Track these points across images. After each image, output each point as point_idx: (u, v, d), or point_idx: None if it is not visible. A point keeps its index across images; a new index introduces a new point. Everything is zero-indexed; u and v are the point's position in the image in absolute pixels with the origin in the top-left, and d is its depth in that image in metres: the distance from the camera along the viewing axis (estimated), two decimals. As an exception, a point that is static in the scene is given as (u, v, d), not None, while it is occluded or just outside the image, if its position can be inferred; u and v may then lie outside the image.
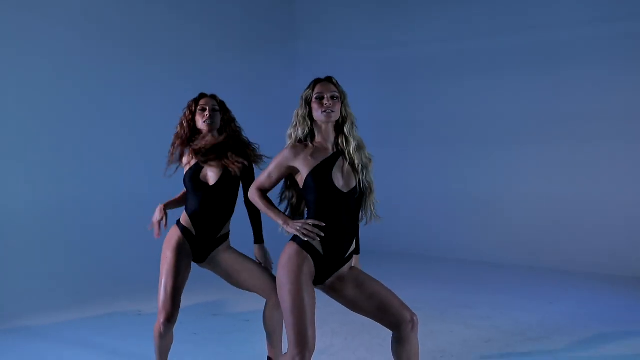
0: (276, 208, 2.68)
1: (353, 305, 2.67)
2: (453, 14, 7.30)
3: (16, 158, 5.44)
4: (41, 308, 4.97)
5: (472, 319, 4.64)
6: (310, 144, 2.66)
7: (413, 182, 7.60)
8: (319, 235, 2.55)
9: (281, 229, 2.63)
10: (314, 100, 2.63)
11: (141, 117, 6.41)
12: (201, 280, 5.81)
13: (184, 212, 3.17)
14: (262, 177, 2.72)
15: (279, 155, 2.67)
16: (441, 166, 7.40)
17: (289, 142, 2.70)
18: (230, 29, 7.49)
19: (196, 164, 3.12)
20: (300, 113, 2.67)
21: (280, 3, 8.21)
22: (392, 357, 2.69)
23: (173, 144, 3.23)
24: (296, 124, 2.68)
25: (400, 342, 2.63)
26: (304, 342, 2.45)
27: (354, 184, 2.65)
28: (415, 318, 2.61)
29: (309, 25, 8.30)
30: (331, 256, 2.59)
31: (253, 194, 2.73)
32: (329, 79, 2.69)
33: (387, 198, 7.94)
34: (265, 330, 3.26)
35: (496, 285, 5.82)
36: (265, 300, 3.19)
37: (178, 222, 3.16)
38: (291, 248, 2.57)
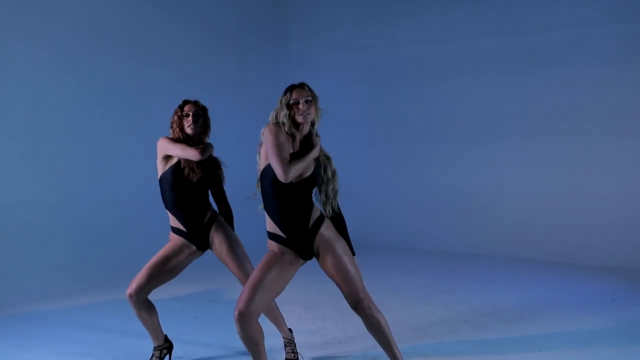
0: (307, 154, 2.95)
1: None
2: (438, 17, 7.64)
3: (26, 154, 5.74)
4: (49, 295, 5.28)
5: (453, 303, 5.01)
6: (285, 133, 2.96)
7: (399, 178, 7.96)
8: (276, 223, 2.97)
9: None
10: (292, 104, 2.97)
11: (141, 115, 6.72)
12: (199, 270, 6.15)
13: (168, 213, 3.55)
14: (283, 157, 2.86)
15: (273, 135, 2.90)
16: (426, 163, 7.74)
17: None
18: (224, 31, 7.79)
19: (177, 164, 3.45)
20: (285, 116, 2.97)
21: (272, 6, 8.52)
22: None
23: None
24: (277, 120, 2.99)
25: (363, 322, 3.02)
26: (241, 304, 2.85)
27: (306, 175, 2.97)
28: (359, 306, 2.96)
29: (300, 27, 8.61)
30: (294, 235, 2.98)
31: (291, 171, 2.86)
32: (302, 85, 3.03)
33: (375, 193, 8.41)
34: (266, 316, 3.62)
35: (476, 274, 6.18)
36: None
37: (172, 228, 3.57)
38: (268, 242, 3.05)
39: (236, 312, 2.87)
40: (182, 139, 3.50)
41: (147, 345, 3.94)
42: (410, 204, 7.87)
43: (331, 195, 3.06)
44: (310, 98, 2.99)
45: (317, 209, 3.06)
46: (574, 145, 6.73)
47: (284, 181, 2.87)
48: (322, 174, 3.05)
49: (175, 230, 3.56)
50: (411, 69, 7.90)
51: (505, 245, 7.03)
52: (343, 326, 4.42)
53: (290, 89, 3.03)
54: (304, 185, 2.98)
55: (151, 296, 5.31)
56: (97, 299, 5.30)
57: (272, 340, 3.87)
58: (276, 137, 2.90)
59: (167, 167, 3.50)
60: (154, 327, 3.62)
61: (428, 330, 4.30)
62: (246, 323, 2.87)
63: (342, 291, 3.03)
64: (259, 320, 2.97)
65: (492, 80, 7.25)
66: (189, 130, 3.49)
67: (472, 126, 7.42)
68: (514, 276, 6.02)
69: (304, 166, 2.94)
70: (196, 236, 3.53)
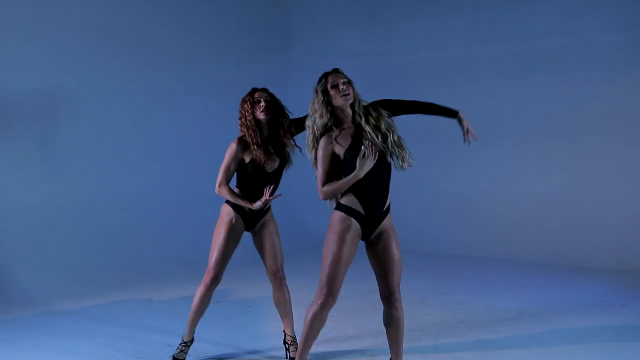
0: (345, 179, 3.05)
1: (370, 260, 3.23)
2: (436, 25, 7.87)
3: (38, 159, 5.98)
4: (62, 296, 5.47)
5: (449, 303, 5.22)
6: (334, 129, 3.13)
7: (398, 181, 8.06)
8: (359, 198, 3.07)
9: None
10: (330, 88, 3.11)
11: (147, 119, 6.97)
12: (201, 272, 6.36)
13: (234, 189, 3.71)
14: (320, 176, 3.11)
15: (320, 152, 3.10)
16: (425, 167, 7.92)
17: (308, 132, 3.16)
18: (228, 39, 8.00)
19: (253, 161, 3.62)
20: (319, 102, 3.12)
21: (274, 14, 8.73)
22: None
23: (252, 140, 3.62)
24: (314, 113, 3.14)
25: (385, 314, 3.23)
26: (330, 286, 3.06)
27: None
28: (392, 298, 3.16)
29: (301, 35, 8.82)
30: (371, 213, 3.12)
31: (324, 193, 3.09)
32: (336, 70, 3.19)
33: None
34: (277, 309, 3.88)
35: (472, 275, 6.38)
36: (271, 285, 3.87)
37: (228, 201, 3.72)
38: (337, 215, 3.12)
39: (325, 294, 3.07)
40: (253, 128, 3.60)
41: (158, 340, 4.14)
42: (408, 207, 8.05)
43: (398, 151, 3.16)
44: (347, 79, 3.12)
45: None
46: (568, 149, 6.96)
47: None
48: (386, 144, 3.13)
49: (234, 206, 3.68)
50: (410, 75, 8.09)
51: (502, 248, 7.24)
52: (344, 325, 4.62)
53: (325, 75, 3.16)
54: (385, 165, 3.13)
55: (157, 294, 5.55)
56: (105, 300, 5.48)
57: (274, 340, 4.08)
58: (322, 154, 3.09)
59: (244, 163, 3.65)
60: (197, 321, 3.85)
61: (425, 329, 4.51)
62: (332, 303, 3.11)
63: (383, 278, 3.18)
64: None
65: (490, 85, 7.47)
66: (261, 116, 3.62)
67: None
68: (509, 277, 6.22)
69: (340, 188, 3.06)
70: (252, 216, 3.71)
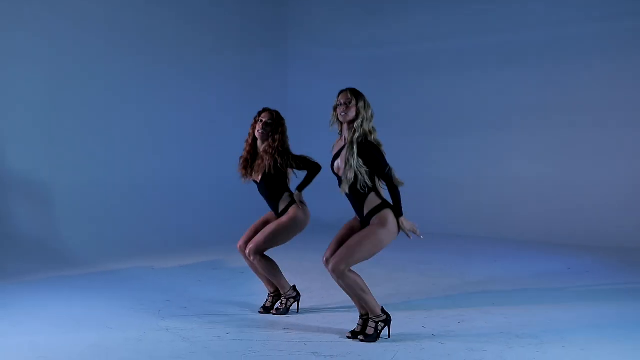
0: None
1: (346, 231, 3.81)
2: (427, 17, 8.31)
3: (59, 145, 6.57)
4: (78, 264, 5.94)
5: (427, 270, 5.67)
6: (340, 137, 3.73)
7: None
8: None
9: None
10: (337, 106, 3.65)
11: (153, 108, 7.49)
12: (200, 247, 6.86)
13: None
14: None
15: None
16: (413, 152, 8.38)
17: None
18: (228, 33, 8.49)
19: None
20: (332, 115, 3.70)
21: (273, 8, 9.19)
22: None
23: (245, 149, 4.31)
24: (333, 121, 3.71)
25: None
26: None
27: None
28: (327, 260, 3.67)
29: (298, 28, 9.27)
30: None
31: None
32: (345, 90, 3.69)
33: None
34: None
35: (452, 250, 6.82)
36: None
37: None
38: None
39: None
40: (249, 141, 4.25)
41: (159, 297, 4.60)
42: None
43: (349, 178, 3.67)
44: (349, 101, 3.62)
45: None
46: (545, 137, 7.42)
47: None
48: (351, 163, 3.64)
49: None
50: (401, 66, 8.54)
51: (483, 227, 7.70)
52: (326, 286, 5.05)
53: (339, 93, 3.69)
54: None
55: (158, 264, 6.01)
56: (119, 266, 5.91)
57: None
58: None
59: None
60: (266, 279, 4.35)
61: (400, 290, 4.95)
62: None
63: (338, 246, 3.76)
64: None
65: (476, 75, 7.92)
66: (257, 134, 4.19)
67: (454, 119, 8.08)
68: (485, 251, 6.70)
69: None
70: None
